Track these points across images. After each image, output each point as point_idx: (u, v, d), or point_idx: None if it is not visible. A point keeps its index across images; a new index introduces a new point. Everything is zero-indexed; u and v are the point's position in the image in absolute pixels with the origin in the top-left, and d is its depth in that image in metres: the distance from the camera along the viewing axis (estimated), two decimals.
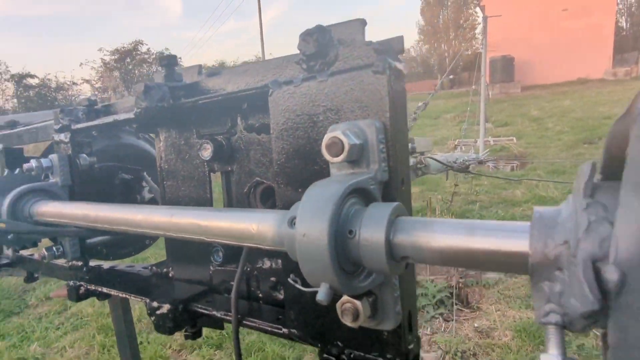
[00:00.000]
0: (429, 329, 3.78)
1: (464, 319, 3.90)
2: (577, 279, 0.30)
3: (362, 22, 0.66)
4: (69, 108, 1.04)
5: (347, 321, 0.51)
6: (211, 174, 0.91)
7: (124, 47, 33.66)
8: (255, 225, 0.54)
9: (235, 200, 0.89)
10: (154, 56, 35.31)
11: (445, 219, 0.46)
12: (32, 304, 4.74)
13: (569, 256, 0.32)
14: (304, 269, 0.46)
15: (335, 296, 0.52)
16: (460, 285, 4.41)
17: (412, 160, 1.90)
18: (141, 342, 3.83)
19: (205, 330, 3.39)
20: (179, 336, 3.92)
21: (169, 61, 0.85)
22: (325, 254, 0.43)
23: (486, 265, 0.39)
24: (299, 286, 0.51)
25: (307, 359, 3.55)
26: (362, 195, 0.50)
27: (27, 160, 1.34)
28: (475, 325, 3.79)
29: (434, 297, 4.18)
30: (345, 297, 0.52)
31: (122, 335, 1.48)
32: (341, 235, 0.45)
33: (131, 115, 0.85)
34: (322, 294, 0.44)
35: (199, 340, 3.83)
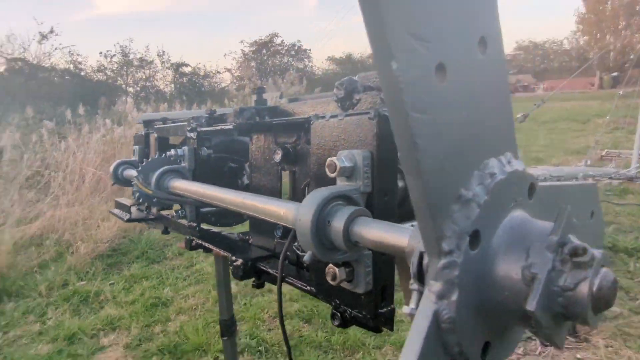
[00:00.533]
0: (521, 349, 3.67)
1: (565, 347, 3.64)
2: (414, 261, 0.54)
3: None
4: (198, 116, 1.49)
5: (329, 279, 0.79)
6: (282, 172, 1.25)
7: (261, 39, 37.06)
8: (283, 210, 0.85)
9: (296, 193, 1.21)
10: (286, 47, 38.06)
11: (382, 221, 0.69)
12: (168, 256, 5.85)
13: (417, 249, 0.55)
14: (299, 240, 0.75)
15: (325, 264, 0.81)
16: None
17: None
18: (245, 304, 4.51)
19: (299, 305, 3.87)
20: (275, 304, 4.49)
21: (259, 90, 1.21)
22: (309, 233, 0.71)
23: (390, 250, 0.63)
24: (298, 251, 0.81)
25: (386, 348, 3.77)
26: (346, 199, 0.77)
27: (171, 147, 1.87)
28: (578, 356, 3.55)
29: None
30: (330, 264, 0.80)
31: (221, 285, 1.95)
32: (322, 223, 0.73)
33: (230, 126, 1.23)
34: (307, 257, 0.73)
35: (292, 311, 4.34)
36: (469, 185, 0.45)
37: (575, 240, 0.44)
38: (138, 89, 26.30)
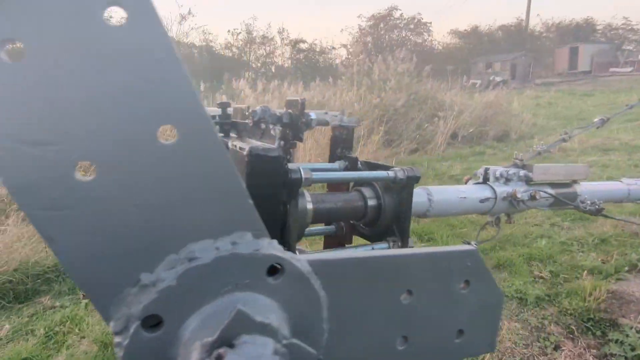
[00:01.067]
0: None
1: None
2: None
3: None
4: None
5: None
6: None
7: (379, 13, 36.21)
8: None
9: None
10: (405, 21, 36.61)
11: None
12: None
13: None
14: None
15: None
16: None
17: (505, 192, 1.76)
18: None
19: None
20: None
21: (222, 104, 1.27)
22: None
23: None
24: None
25: None
26: None
27: None
28: None
29: (632, 348, 3.28)
30: None
31: None
32: None
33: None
34: None
35: None
36: (155, 270, 0.45)
37: (242, 340, 0.42)
38: (259, 65, 28.18)
